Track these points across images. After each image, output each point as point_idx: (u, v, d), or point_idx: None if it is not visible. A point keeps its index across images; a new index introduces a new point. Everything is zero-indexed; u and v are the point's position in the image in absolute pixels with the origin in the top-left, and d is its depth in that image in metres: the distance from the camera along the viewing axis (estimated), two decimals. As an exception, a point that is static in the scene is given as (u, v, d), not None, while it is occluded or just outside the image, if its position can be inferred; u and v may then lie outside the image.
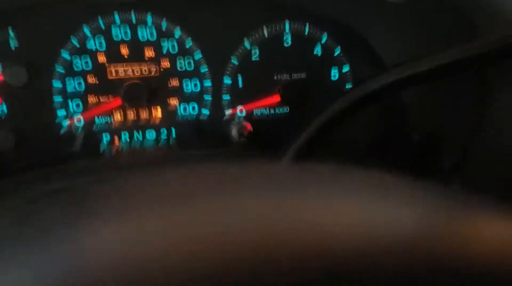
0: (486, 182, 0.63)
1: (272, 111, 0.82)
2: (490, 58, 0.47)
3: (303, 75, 0.81)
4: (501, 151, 0.59)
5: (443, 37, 0.62)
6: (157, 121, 0.78)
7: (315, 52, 0.80)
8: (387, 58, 0.78)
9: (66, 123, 0.75)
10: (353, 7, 0.73)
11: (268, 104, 0.81)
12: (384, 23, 0.73)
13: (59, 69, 0.73)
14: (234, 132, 0.75)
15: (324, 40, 0.79)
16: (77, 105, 0.75)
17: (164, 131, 0.79)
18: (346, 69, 0.81)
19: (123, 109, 0.77)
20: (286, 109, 0.82)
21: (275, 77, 0.80)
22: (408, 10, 0.60)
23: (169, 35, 0.75)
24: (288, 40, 0.79)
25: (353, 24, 0.78)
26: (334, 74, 0.81)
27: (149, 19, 0.73)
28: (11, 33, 0.70)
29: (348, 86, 0.82)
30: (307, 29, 0.78)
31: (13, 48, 0.71)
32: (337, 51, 0.80)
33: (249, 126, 0.76)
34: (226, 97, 0.79)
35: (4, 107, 0.72)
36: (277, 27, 0.78)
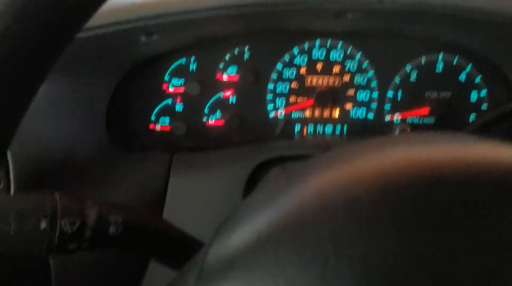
0: None
1: (420, 121, 1.06)
2: None
3: (448, 95, 1.05)
4: None
5: None
6: (335, 119, 1.07)
7: (459, 78, 1.04)
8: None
9: (272, 114, 1.06)
10: (499, 46, 0.96)
11: (418, 114, 1.06)
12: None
13: (273, 76, 1.04)
14: (397, 132, 1.01)
15: (468, 69, 1.03)
16: (281, 103, 1.05)
17: (338, 127, 1.07)
18: (483, 93, 1.04)
19: (312, 108, 1.06)
20: (432, 120, 1.06)
21: (426, 95, 1.05)
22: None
23: (351, 57, 1.03)
24: (439, 67, 1.04)
25: (494, 58, 1.01)
26: (474, 96, 1.04)
27: (339, 45, 1.03)
28: (246, 50, 1.03)
29: (484, 107, 1.05)
30: (456, 60, 1.03)
31: (245, 60, 1.03)
32: (478, 79, 1.03)
33: (408, 129, 1.01)
34: (387, 106, 1.06)
35: (234, 99, 1.05)
36: (432, 57, 1.03)
